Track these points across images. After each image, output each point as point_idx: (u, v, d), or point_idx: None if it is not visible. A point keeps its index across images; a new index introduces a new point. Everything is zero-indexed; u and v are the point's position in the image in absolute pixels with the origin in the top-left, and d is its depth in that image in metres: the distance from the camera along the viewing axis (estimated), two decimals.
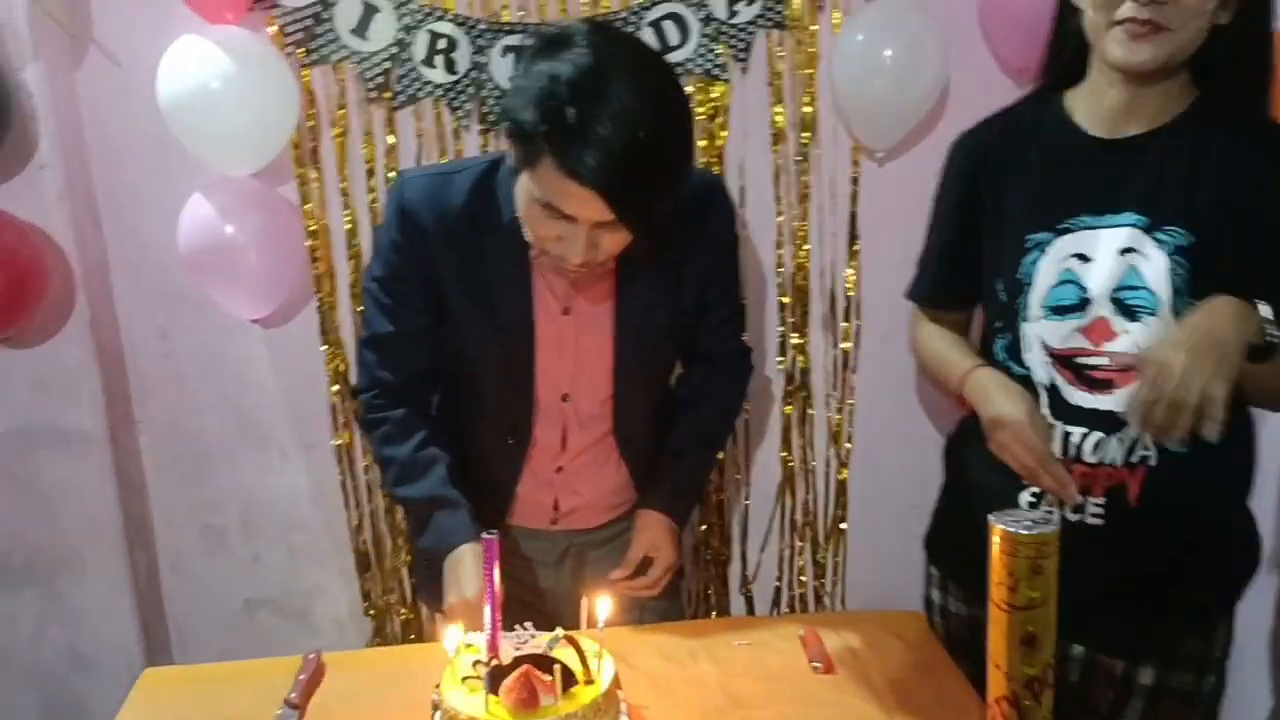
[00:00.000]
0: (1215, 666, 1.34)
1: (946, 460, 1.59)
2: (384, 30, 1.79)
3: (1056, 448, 1.30)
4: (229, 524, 2.08)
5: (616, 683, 1.19)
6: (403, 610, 2.13)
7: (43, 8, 1.70)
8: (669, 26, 1.84)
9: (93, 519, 1.96)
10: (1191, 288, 1.20)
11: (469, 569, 1.39)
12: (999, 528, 0.96)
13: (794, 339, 2.06)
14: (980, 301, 1.45)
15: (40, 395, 1.88)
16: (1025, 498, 1.34)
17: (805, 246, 2.00)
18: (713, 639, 1.43)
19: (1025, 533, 0.95)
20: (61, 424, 1.90)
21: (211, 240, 1.78)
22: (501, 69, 1.82)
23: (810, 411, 2.11)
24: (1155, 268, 1.20)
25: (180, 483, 2.05)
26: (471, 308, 1.42)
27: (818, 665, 1.35)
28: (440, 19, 1.80)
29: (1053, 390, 1.31)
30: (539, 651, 1.20)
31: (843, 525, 2.17)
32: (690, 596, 2.14)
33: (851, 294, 2.04)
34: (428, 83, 1.83)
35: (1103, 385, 1.26)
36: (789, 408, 2.11)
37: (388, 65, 1.82)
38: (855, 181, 1.98)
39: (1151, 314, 1.21)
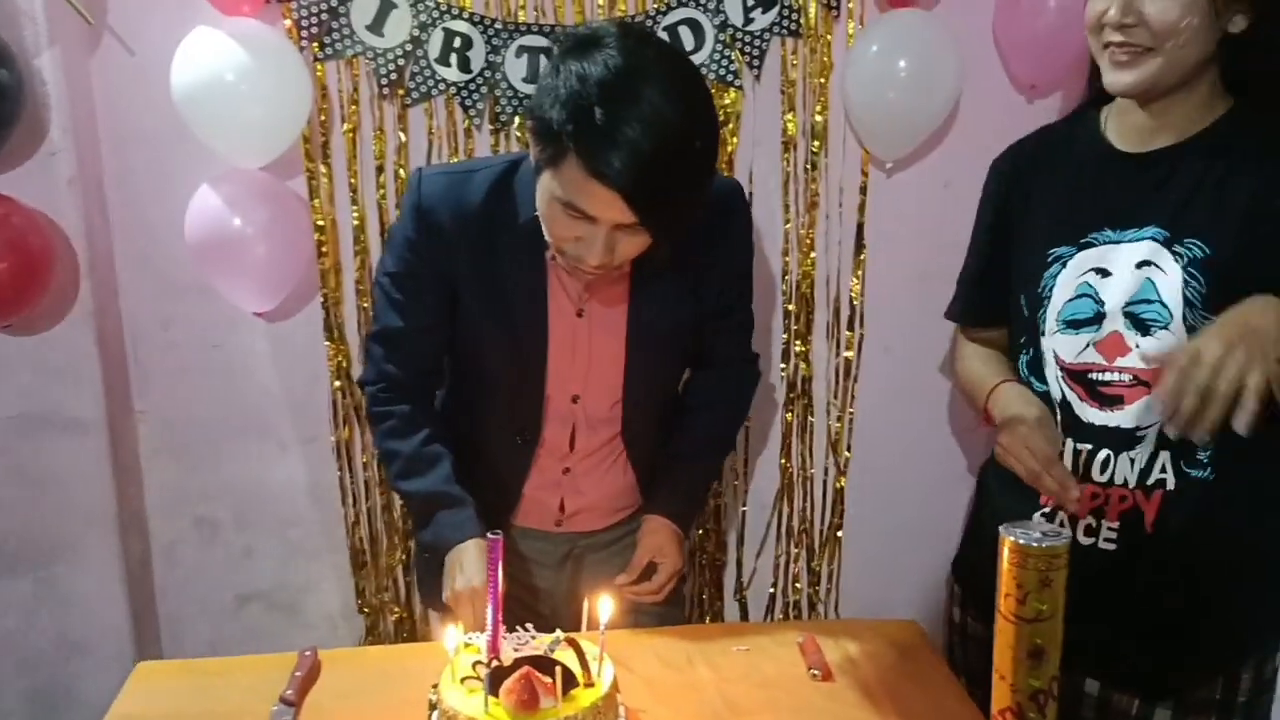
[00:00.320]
0: (1241, 713, 1.29)
1: (978, 484, 1.58)
2: (399, 27, 1.79)
3: (1067, 464, 1.29)
4: (224, 516, 2.08)
5: (615, 686, 1.19)
6: (396, 609, 2.12)
7: None
8: (684, 31, 1.84)
9: (87, 507, 1.95)
10: (1206, 302, 1.18)
11: (472, 561, 1.39)
12: (1009, 540, 0.97)
13: (797, 346, 2.06)
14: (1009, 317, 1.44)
15: (41, 382, 1.87)
16: (1037, 518, 1.33)
17: (812, 254, 2.01)
18: (711, 644, 1.43)
19: (1035, 545, 0.95)
20: (61, 411, 1.89)
21: (219, 232, 1.77)
22: (515, 69, 1.83)
23: (811, 419, 2.12)
24: (1170, 281, 1.19)
25: (176, 473, 2.04)
26: (486, 307, 1.42)
27: (816, 673, 1.35)
28: (456, 17, 1.80)
29: (1065, 406, 1.30)
30: (539, 653, 1.19)
31: (839, 533, 2.18)
32: (685, 601, 2.14)
33: (856, 303, 2.05)
34: (441, 80, 1.83)
35: (1113, 401, 1.25)
36: (790, 415, 2.11)
37: (402, 62, 1.82)
38: (863, 191, 1.99)
39: (1164, 328, 1.21)
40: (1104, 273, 1.25)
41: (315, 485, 2.06)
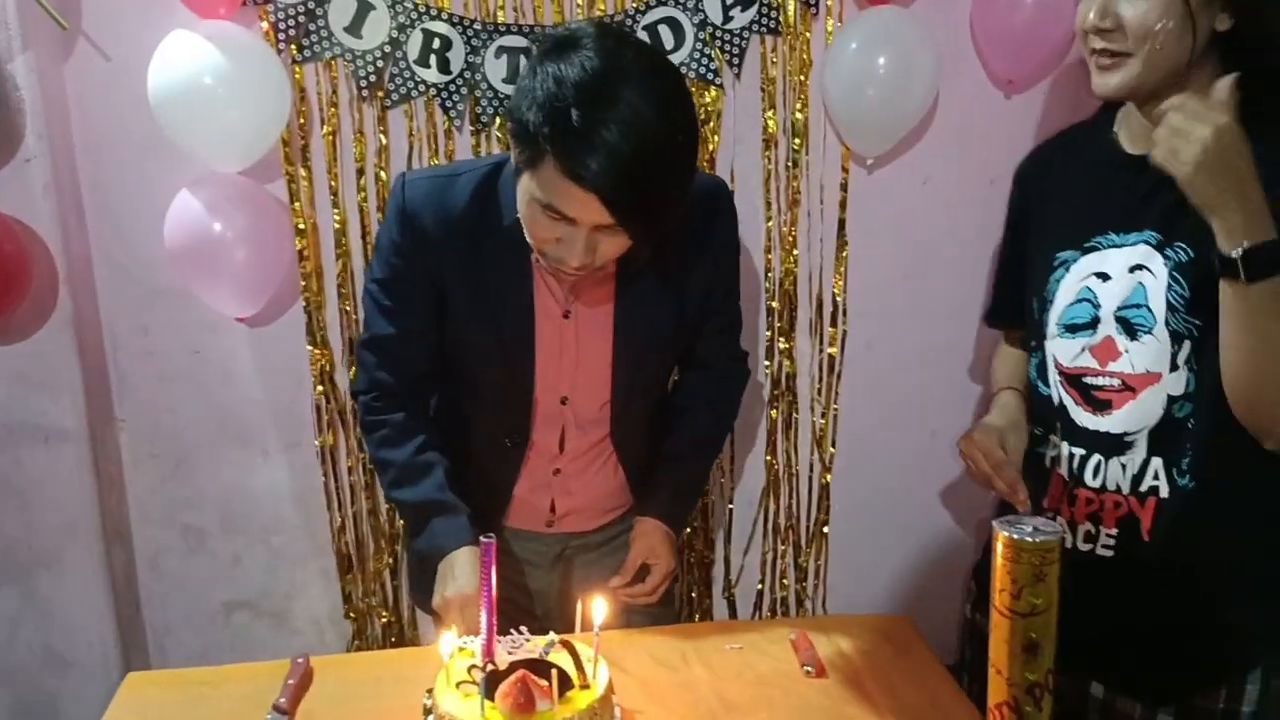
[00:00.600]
0: None
1: None
2: (378, 28, 1.78)
3: (1065, 470, 1.30)
4: (208, 524, 2.06)
5: (611, 688, 1.19)
6: (384, 613, 2.11)
7: None
8: (664, 30, 1.84)
9: (69, 517, 1.93)
10: (1188, 305, 1.18)
11: (464, 568, 1.39)
12: (1003, 535, 0.97)
13: (781, 343, 2.07)
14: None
15: (20, 391, 1.85)
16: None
17: (794, 252, 2.02)
18: (704, 642, 1.43)
19: (1029, 540, 0.96)
20: (41, 420, 1.87)
21: (198, 237, 1.75)
22: (495, 70, 1.82)
23: (796, 416, 2.13)
24: (1157, 284, 1.20)
25: (160, 481, 2.02)
26: (472, 310, 1.41)
27: (809, 669, 1.35)
28: (435, 18, 1.79)
29: (1062, 410, 1.31)
30: (535, 656, 1.19)
31: (825, 529, 2.19)
32: (676, 599, 2.15)
33: (838, 299, 2.06)
34: (421, 82, 1.82)
35: (1104, 406, 1.26)
36: (775, 412, 2.12)
37: (381, 64, 1.81)
38: (844, 188, 2.00)
39: (1148, 332, 1.21)
40: (1104, 276, 1.26)
41: (300, 491, 2.05)
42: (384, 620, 2.12)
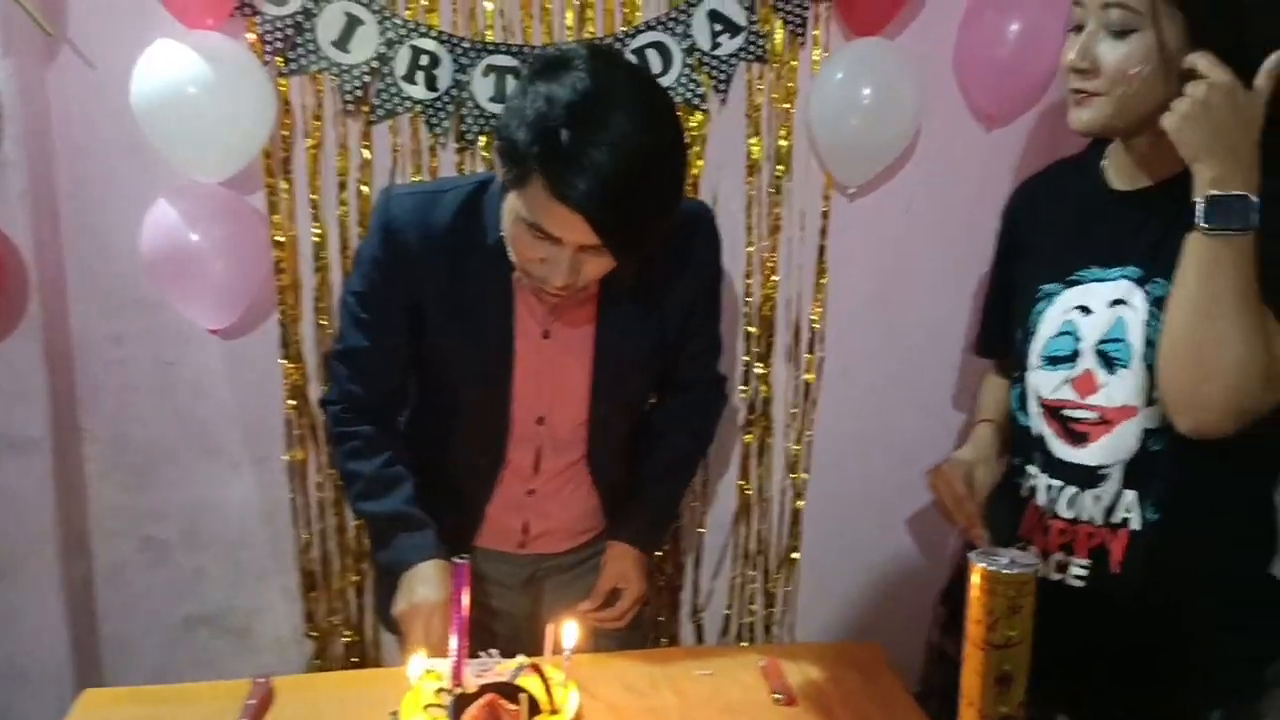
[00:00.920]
0: None
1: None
2: (366, 44, 1.77)
3: (1041, 500, 1.32)
4: (172, 537, 2.02)
5: (580, 713, 1.18)
6: (347, 632, 2.08)
7: (17, 1, 1.65)
8: (652, 54, 1.85)
9: (28, 528, 1.88)
10: None
11: (428, 580, 1.38)
12: (979, 567, 0.98)
13: (758, 368, 2.07)
14: None
15: None
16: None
17: (774, 277, 2.02)
18: (674, 668, 1.42)
19: (1005, 572, 0.96)
20: (6, 429, 1.83)
21: (175, 246, 1.73)
22: (483, 88, 1.82)
23: (770, 441, 2.13)
24: (1136, 319, 1.21)
25: (123, 492, 1.98)
26: (452, 327, 1.41)
27: (779, 697, 1.35)
28: (424, 35, 1.79)
29: (1040, 441, 1.32)
30: (504, 680, 1.18)
31: (795, 555, 2.19)
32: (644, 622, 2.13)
33: (816, 326, 2.07)
34: (407, 98, 1.81)
35: (1081, 438, 1.27)
36: (749, 437, 2.12)
37: (367, 79, 1.80)
38: (825, 216, 2.01)
39: (1125, 366, 1.22)
40: (1086, 310, 1.27)
41: (267, 505, 2.02)
42: (347, 640, 2.08)
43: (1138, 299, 1.22)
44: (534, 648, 1.32)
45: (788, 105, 1.93)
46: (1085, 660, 1.23)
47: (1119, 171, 1.29)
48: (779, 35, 1.89)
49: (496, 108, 1.80)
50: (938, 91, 1.93)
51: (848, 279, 2.04)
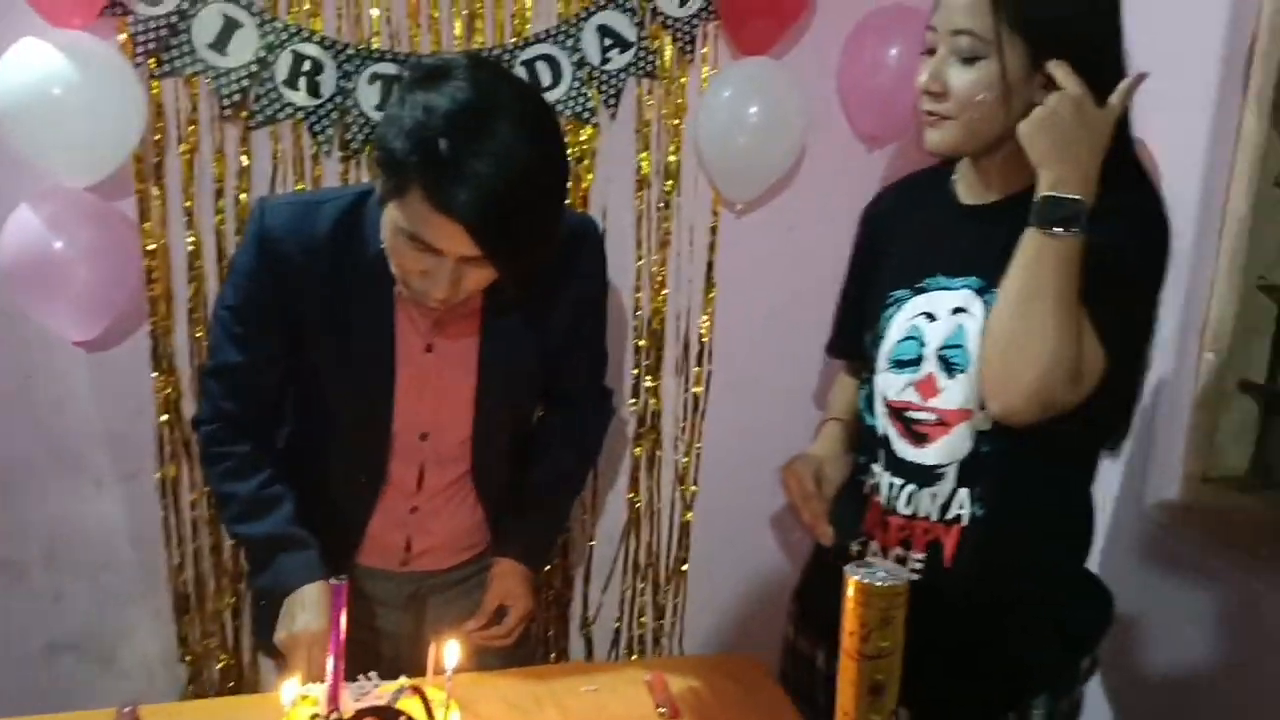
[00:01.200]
0: None
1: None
2: (245, 47, 1.72)
3: (883, 497, 1.36)
4: (31, 558, 1.92)
5: None
6: (223, 656, 2.01)
7: None
8: (542, 67, 1.85)
9: None
10: None
11: (313, 604, 1.34)
12: (853, 579, 1.00)
13: (647, 381, 2.09)
14: None
15: None
16: (854, 548, 1.39)
17: (663, 292, 2.04)
18: (558, 684, 1.41)
19: (878, 584, 0.99)
20: None
21: (37, 254, 1.65)
22: (368, 96, 1.78)
23: (659, 454, 2.14)
24: (974, 327, 1.26)
25: None
26: (330, 342, 1.37)
27: (664, 710, 1.35)
28: (306, 40, 1.75)
29: (886, 442, 1.37)
30: (383, 703, 1.15)
31: (684, 567, 2.20)
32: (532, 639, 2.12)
33: (705, 340, 2.09)
34: (288, 104, 1.77)
35: (922, 439, 1.32)
36: (639, 449, 2.13)
37: (246, 83, 1.75)
38: (714, 231, 2.03)
39: (963, 371, 1.28)
40: (931, 316, 1.32)
41: (135, 525, 1.93)
42: (222, 664, 2.01)
43: (977, 308, 1.27)
44: (418, 668, 1.30)
45: (677, 121, 1.95)
46: (921, 654, 1.28)
47: (967, 187, 1.35)
48: (669, 52, 1.91)
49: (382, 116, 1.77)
50: (822, 112, 1.97)
51: (736, 293, 2.07)
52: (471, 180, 1.13)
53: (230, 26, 1.71)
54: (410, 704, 1.14)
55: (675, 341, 2.09)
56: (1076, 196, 1.14)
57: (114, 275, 1.74)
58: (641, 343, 2.06)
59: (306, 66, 1.75)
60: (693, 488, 2.17)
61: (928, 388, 1.30)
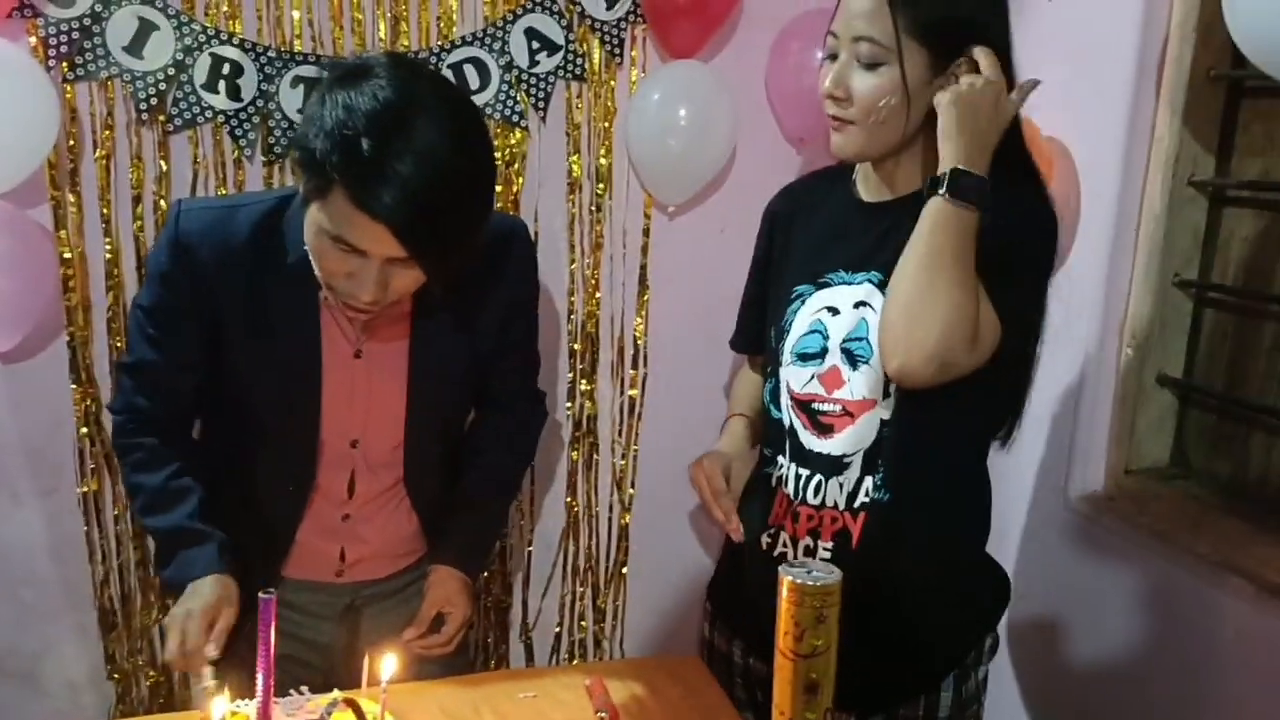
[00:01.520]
0: None
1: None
2: (161, 50, 1.68)
3: (790, 489, 1.38)
4: None
5: None
6: (152, 673, 1.96)
7: None
8: (469, 70, 1.83)
9: None
10: None
11: (201, 593, 1.31)
12: (787, 579, 1.00)
13: (583, 385, 2.08)
14: None
15: None
16: (765, 540, 1.41)
17: (596, 294, 2.04)
18: (496, 690, 1.40)
19: (812, 583, 1.00)
20: None
21: None
22: (291, 99, 1.75)
23: (596, 457, 2.14)
24: (875, 319, 1.29)
25: None
26: (252, 348, 1.35)
27: (603, 715, 1.34)
28: (225, 43, 1.71)
29: (792, 433, 1.39)
30: (315, 717, 1.13)
31: (624, 570, 2.20)
32: (471, 647, 2.10)
33: (640, 342, 2.09)
34: (208, 108, 1.73)
35: (827, 430, 1.34)
36: (575, 453, 2.12)
37: (163, 87, 1.70)
38: (646, 233, 2.04)
39: (866, 363, 1.31)
40: (834, 310, 1.34)
41: (56, 540, 1.87)
42: (151, 681, 1.96)
43: (878, 301, 1.30)
44: (352, 681, 1.28)
45: (607, 124, 1.95)
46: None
47: (868, 185, 1.38)
48: (597, 55, 1.91)
49: None
50: (752, 115, 1.99)
51: (669, 295, 2.08)
52: (394, 180, 1.12)
53: (146, 29, 1.67)
54: (344, 717, 1.13)
55: (610, 344, 2.09)
56: (983, 175, 1.20)
57: (29, 285, 1.68)
58: (576, 346, 2.06)
59: (226, 69, 1.72)
60: (630, 490, 2.17)
61: (832, 380, 1.33)
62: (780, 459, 1.40)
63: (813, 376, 1.35)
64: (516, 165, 1.92)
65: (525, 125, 1.91)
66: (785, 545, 1.38)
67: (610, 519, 2.18)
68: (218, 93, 1.73)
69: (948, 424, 1.29)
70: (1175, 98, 1.58)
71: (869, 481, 1.32)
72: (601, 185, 1.98)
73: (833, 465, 1.34)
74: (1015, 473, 1.87)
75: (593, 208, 2.00)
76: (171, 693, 1.97)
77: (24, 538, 1.87)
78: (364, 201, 1.13)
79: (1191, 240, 1.64)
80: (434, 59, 1.82)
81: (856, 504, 1.33)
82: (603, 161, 1.97)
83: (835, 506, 1.34)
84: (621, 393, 2.12)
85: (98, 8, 1.65)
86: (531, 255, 1.52)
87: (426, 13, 1.82)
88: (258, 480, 1.43)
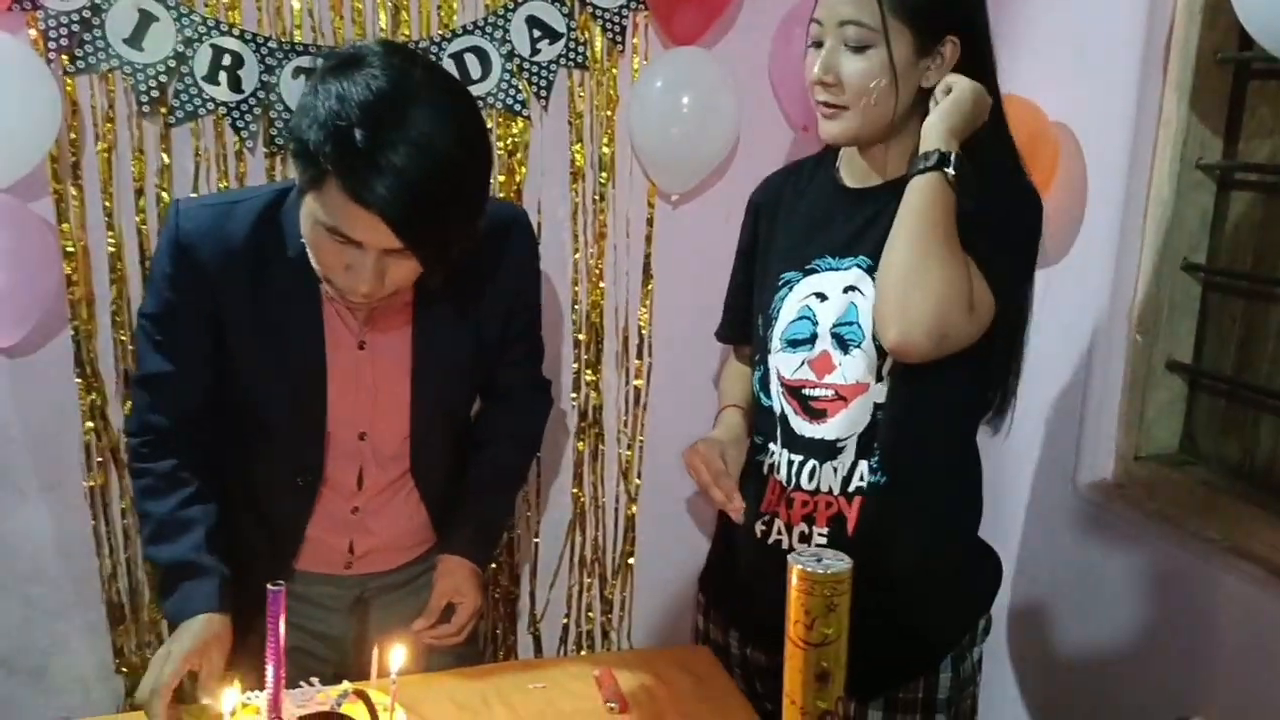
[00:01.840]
0: (943, 709, 1.38)
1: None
2: (162, 41, 1.67)
3: (783, 475, 1.38)
4: None
5: None
6: None
7: None
8: (471, 59, 1.82)
9: None
10: None
11: (187, 633, 1.28)
12: (796, 568, 1.00)
13: (588, 375, 2.08)
14: None
15: None
16: (759, 528, 1.41)
17: (601, 284, 2.03)
18: (506, 682, 1.40)
19: (822, 572, 0.99)
20: None
21: None
22: (291, 90, 1.75)
23: (602, 448, 2.13)
24: (866, 304, 1.30)
25: None
26: (256, 345, 1.34)
27: (613, 705, 1.35)
28: (225, 34, 1.70)
29: (783, 420, 1.39)
30: (326, 709, 1.14)
31: (630, 561, 2.20)
32: (480, 637, 2.10)
33: (645, 332, 2.09)
34: (209, 99, 1.72)
35: (819, 415, 1.35)
36: (581, 444, 2.12)
37: (164, 79, 1.70)
38: (650, 223, 2.03)
39: (858, 347, 1.31)
40: (822, 296, 1.35)
41: (63, 536, 1.87)
42: None
43: (867, 286, 1.31)
44: (362, 673, 1.28)
45: (609, 113, 1.94)
46: None
47: (853, 172, 1.39)
48: (599, 43, 1.90)
49: None
50: (755, 102, 1.98)
51: (674, 285, 2.07)
52: (389, 171, 1.11)
53: (146, 20, 1.66)
54: (354, 709, 1.13)
55: (615, 334, 2.08)
56: (949, 150, 1.23)
57: (32, 279, 1.68)
58: (581, 336, 2.05)
59: (226, 61, 1.71)
60: (636, 481, 2.16)
61: (823, 365, 1.34)
62: (771, 446, 1.41)
63: (803, 362, 1.35)
64: (519, 155, 1.91)
65: (527, 114, 1.90)
66: (780, 532, 1.39)
67: (616, 510, 2.18)
68: (218, 84, 1.72)
69: (942, 404, 1.30)
70: (1182, 80, 1.57)
71: (863, 465, 1.33)
72: (604, 174, 1.97)
73: (826, 450, 1.34)
74: (1023, 460, 1.87)
75: (596, 197, 1.99)
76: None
77: (31, 533, 1.87)
78: (358, 193, 1.12)
79: (1199, 224, 1.63)
80: (435, 48, 1.81)
81: (851, 488, 1.34)
82: (605, 150, 1.96)
83: (830, 491, 1.35)
84: (626, 383, 2.11)
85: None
86: (533, 243, 1.51)
87: (427, 1, 1.81)
88: (267, 477, 1.43)
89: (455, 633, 1.45)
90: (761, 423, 1.44)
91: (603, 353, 2.08)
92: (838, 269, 1.34)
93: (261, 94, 1.75)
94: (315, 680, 1.28)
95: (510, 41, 1.84)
